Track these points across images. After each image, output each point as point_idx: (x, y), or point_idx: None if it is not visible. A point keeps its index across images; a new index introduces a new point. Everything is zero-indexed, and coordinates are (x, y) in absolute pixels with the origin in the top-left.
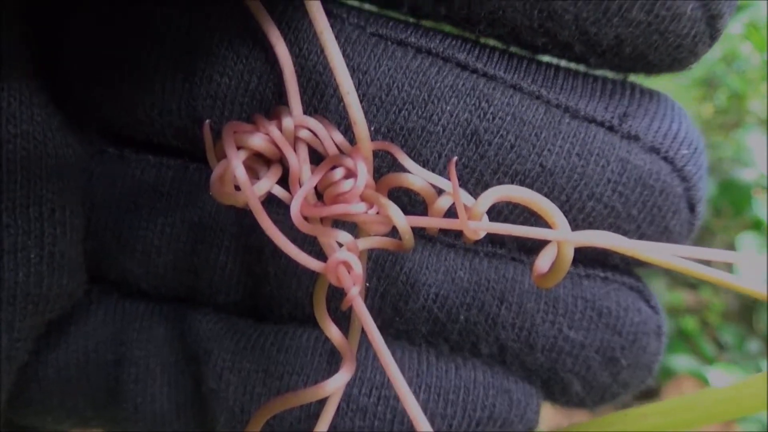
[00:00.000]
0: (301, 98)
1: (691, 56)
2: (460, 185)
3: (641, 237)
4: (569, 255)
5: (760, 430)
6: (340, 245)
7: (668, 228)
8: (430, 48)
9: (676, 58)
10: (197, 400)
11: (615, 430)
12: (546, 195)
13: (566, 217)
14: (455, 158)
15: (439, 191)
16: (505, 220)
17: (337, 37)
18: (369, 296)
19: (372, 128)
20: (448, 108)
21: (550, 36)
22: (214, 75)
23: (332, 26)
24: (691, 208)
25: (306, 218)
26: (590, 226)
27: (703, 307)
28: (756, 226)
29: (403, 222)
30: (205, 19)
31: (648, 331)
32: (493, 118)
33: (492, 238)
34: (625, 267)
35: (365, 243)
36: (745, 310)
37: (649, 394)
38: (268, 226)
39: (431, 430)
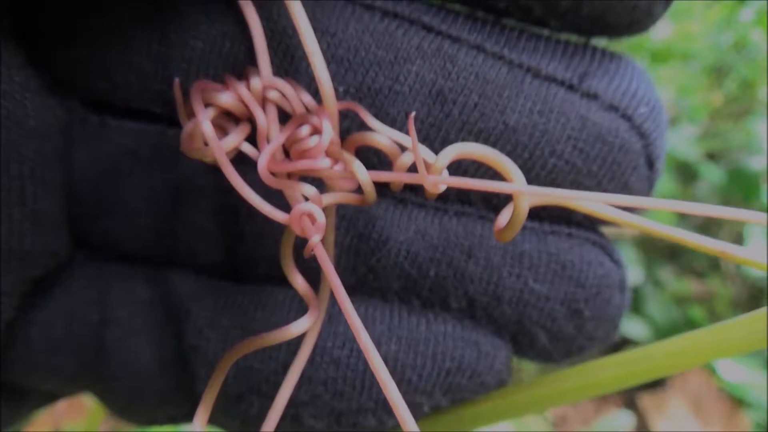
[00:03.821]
0: (272, 61)
1: (648, 18)
2: (427, 144)
3: (601, 192)
4: (524, 207)
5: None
6: (306, 199)
7: (628, 184)
8: (397, 11)
9: (633, 20)
10: (179, 358)
11: (575, 383)
12: (509, 152)
13: (530, 173)
14: (413, 113)
15: (403, 148)
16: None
17: (306, 2)
18: (344, 255)
19: (341, 89)
20: (414, 69)
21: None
22: (188, 39)
23: None
24: (650, 164)
25: (274, 174)
26: (553, 182)
27: (710, 296)
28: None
29: (364, 176)
30: None
31: (611, 284)
32: (458, 78)
33: (461, 198)
34: (589, 224)
35: (329, 197)
36: (753, 299)
37: (656, 382)
38: (234, 179)
39: (389, 377)
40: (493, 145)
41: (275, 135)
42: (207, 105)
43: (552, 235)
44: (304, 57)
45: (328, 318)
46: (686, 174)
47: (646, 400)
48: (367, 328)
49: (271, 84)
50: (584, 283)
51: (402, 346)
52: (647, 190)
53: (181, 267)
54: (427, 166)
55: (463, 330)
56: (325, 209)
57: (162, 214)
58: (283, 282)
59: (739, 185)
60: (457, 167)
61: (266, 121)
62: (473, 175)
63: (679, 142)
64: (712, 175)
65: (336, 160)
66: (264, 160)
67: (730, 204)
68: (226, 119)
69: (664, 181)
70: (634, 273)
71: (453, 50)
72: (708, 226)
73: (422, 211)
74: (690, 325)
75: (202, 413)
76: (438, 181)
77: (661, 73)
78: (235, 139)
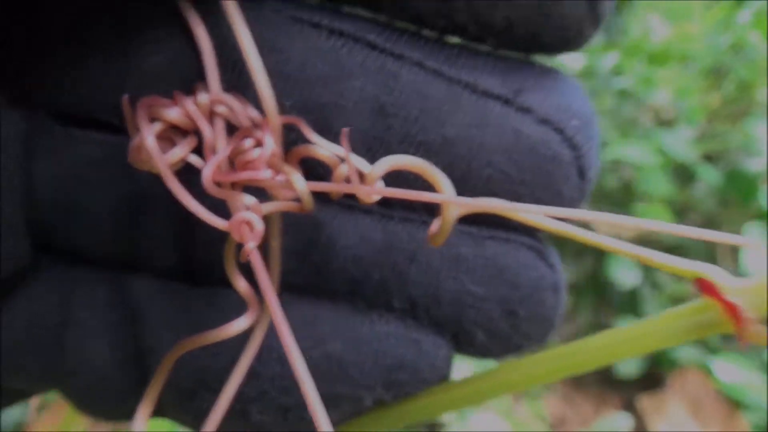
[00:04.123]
0: (223, 77)
1: (580, 37)
2: (370, 155)
3: (536, 201)
4: (452, 216)
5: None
6: (247, 208)
7: (560, 192)
8: (343, 30)
9: (565, 39)
10: (136, 358)
11: (513, 376)
12: (448, 163)
13: (467, 182)
14: (347, 129)
15: (342, 160)
16: (412, 187)
17: (256, 20)
18: (293, 259)
19: (288, 103)
20: (358, 84)
21: (448, 19)
22: (145, 55)
23: (252, 10)
24: (581, 174)
25: (220, 184)
26: (489, 190)
27: None
28: (763, 215)
29: (302, 186)
30: (135, 1)
31: (545, 287)
32: (399, 94)
33: (405, 205)
34: (526, 229)
35: (269, 206)
36: None
37: (654, 384)
38: (176, 189)
39: (309, 377)
40: (434, 156)
41: (221, 147)
42: (154, 120)
43: (490, 239)
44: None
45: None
46: (684, 175)
47: (645, 402)
48: (313, 327)
49: (218, 99)
50: (519, 285)
51: (345, 344)
52: (579, 198)
53: (141, 271)
54: (363, 176)
55: (405, 329)
56: (268, 217)
57: (122, 221)
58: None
59: (737, 187)
60: (397, 177)
61: (212, 134)
62: (414, 185)
63: (677, 143)
64: (710, 176)
65: (277, 171)
66: (208, 170)
67: (728, 206)
68: (176, 133)
69: (662, 182)
70: (631, 275)
71: (395, 67)
72: (708, 226)
73: (368, 217)
74: None
75: (144, 410)
76: (370, 191)
77: (660, 75)
78: (180, 151)
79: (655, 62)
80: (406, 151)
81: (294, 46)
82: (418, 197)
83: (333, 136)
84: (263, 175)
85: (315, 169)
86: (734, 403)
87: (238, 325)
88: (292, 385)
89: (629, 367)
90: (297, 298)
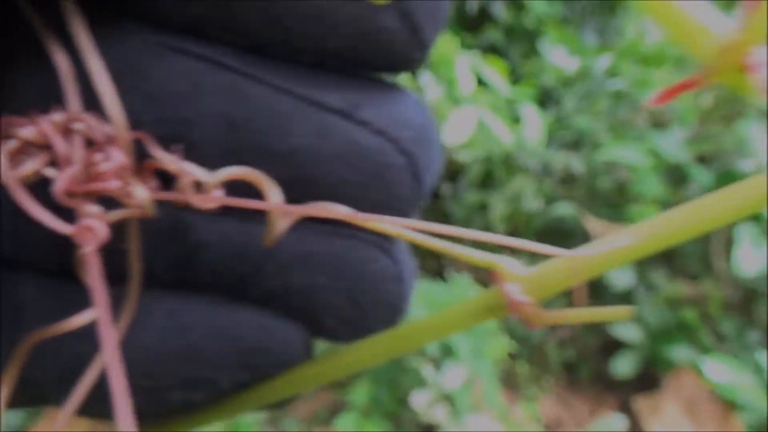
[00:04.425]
0: (85, 98)
1: (409, 62)
2: (223, 165)
3: (374, 202)
4: (278, 221)
5: (758, 422)
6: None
7: (396, 194)
8: (201, 53)
9: (395, 62)
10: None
11: (354, 357)
12: (293, 170)
13: (311, 187)
14: (181, 146)
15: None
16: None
17: (122, 46)
18: (161, 258)
19: (149, 119)
20: (212, 101)
21: (288, 46)
22: (18, 79)
23: (119, 37)
24: (415, 177)
25: (74, 194)
26: (331, 194)
27: (703, 298)
28: (755, 216)
29: (140, 195)
30: (4, 27)
31: (386, 277)
32: (249, 109)
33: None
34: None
35: (115, 213)
36: (745, 301)
37: (650, 385)
38: (21, 198)
39: (117, 364)
40: (280, 164)
41: (76, 161)
42: (9, 138)
43: (337, 236)
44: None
45: (143, 310)
46: (676, 176)
47: (640, 403)
48: (178, 317)
49: (75, 117)
50: (363, 276)
51: (206, 332)
52: (415, 198)
53: (25, 270)
54: (203, 185)
55: (262, 318)
56: (124, 222)
57: (7, 223)
58: (113, 282)
59: None
60: (243, 184)
61: (67, 149)
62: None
63: (670, 144)
64: (702, 177)
65: (126, 182)
66: (60, 182)
67: None
68: (32, 149)
69: (654, 183)
70: (625, 276)
71: (246, 86)
72: None
73: (228, 218)
74: (683, 327)
75: (3, 398)
76: (206, 200)
77: (654, 77)
78: (32, 165)
79: (649, 64)
80: (256, 160)
81: (155, 67)
82: (248, 205)
83: (190, 148)
84: (112, 185)
85: (174, 177)
86: (729, 404)
87: (77, 320)
88: (153, 370)
89: (625, 368)
90: (164, 292)
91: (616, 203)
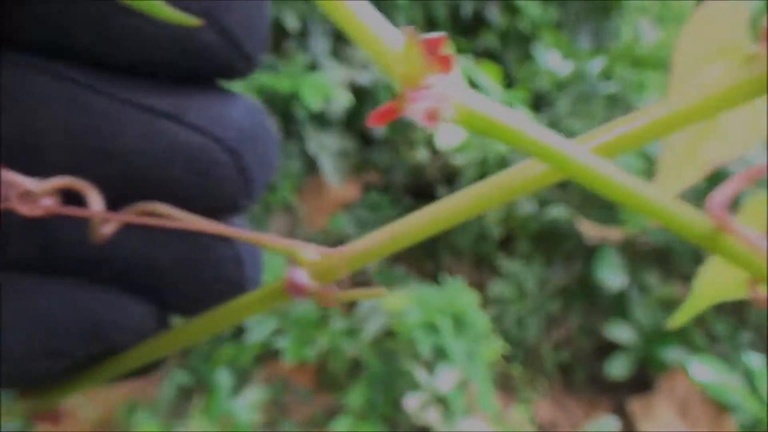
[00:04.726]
0: None
1: (235, 71)
2: (68, 171)
3: (204, 198)
4: (98, 224)
5: (750, 423)
6: None
7: (223, 189)
8: (51, 69)
9: (221, 72)
10: None
11: (200, 327)
12: (124, 170)
13: (141, 185)
14: (30, 153)
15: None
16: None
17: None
18: (29, 247)
19: (5, 129)
20: (55, 112)
21: (123, 61)
22: None
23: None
24: (241, 173)
25: None
26: (163, 193)
27: None
28: None
29: None
30: None
31: (225, 259)
32: (86, 116)
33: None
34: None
35: None
36: (738, 302)
37: (644, 387)
38: None
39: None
40: (114, 165)
41: None
42: None
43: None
44: None
45: (9, 294)
46: None
47: (634, 405)
48: (37, 296)
49: None
50: (206, 259)
51: (62, 309)
52: (244, 193)
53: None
54: (33, 194)
55: (114, 296)
56: None
57: None
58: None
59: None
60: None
61: None
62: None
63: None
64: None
65: None
66: None
67: None
68: None
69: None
70: (619, 278)
71: (85, 96)
72: None
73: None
74: (676, 328)
75: None
76: (32, 208)
77: (648, 80)
78: None
79: (644, 66)
80: (93, 162)
81: (8, 82)
82: (71, 212)
83: (38, 155)
84: None
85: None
86: (721, 405)
87: None
88: (14, 346)
89: (619, 370)
90: (24, 275)
91: (609, 206)
